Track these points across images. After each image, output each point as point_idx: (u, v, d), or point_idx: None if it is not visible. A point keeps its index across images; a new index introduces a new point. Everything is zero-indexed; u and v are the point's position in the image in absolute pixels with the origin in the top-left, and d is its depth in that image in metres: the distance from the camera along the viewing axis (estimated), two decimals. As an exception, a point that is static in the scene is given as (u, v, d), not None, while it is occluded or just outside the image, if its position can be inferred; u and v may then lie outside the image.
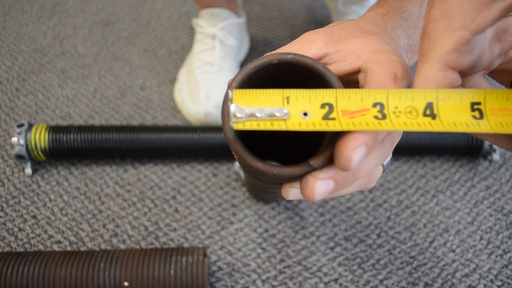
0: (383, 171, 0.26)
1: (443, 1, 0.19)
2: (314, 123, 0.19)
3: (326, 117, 0.19)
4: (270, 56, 0.21)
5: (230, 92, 0.20)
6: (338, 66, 0.24)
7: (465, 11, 0.19)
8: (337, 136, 0.20)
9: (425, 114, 0.19)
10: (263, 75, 0.22)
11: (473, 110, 0.19)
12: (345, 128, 0.19)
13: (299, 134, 0.29)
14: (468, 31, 0.19)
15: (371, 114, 0.19)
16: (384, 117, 0.19)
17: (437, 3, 0.20)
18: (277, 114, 0.19)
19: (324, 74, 0.21)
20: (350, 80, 0.24)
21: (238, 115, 0.19)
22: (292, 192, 0.23)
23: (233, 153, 0.27)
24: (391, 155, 0.24)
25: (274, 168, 0.20)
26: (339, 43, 0.24)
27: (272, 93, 0.20)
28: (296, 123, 0.19)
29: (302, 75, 0.22)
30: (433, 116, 0.19)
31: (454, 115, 0.19)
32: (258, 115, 0.19)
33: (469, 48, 0.19)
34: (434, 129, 0.19)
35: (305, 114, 0.19)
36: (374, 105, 0.19)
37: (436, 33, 0.19)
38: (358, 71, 0.23)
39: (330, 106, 0.19)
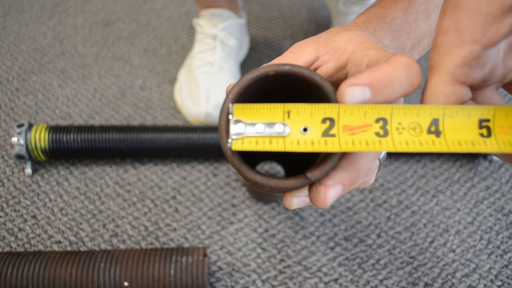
0: (380, 165, 0.26)
1: (454, 13, 0.19)
2: (313, 140, 0.19)
3: (326, 133, 0.19)
4: (267, 67, 0.21)
5: (230, 105, 0.20)
6: (329, 65, 0.24)
7: (476, 24, 0.18)
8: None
9: (429, 131, 0.18)
10: (260, 86, 0.22)
11: (481, 127, 0.19)
12: (343, 148, 0.18)
13: None
14: (479, 45, 0.18)
15: (372, 130, 0.18)
16: (386, 133, 0.18)
17: (448, 15, 0.19)
18: (277, 130, 0.19)
19: (322, 86, 0.20)
20: (341, 78, 0.24)
21: (237, 131, 0.19)
22: (294, 201, 0.23)
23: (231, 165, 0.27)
24: None
25: (271, 181, 0.20)
26: (327, 44, 0.24)
27: (273, 107, 0.19)
28: (295, 141, 0.19)
29: (300, 86, 0.22)
30: (438, 134, 0.18)
31: (460, 133, 0.18)
32: (257, 131, 0.19)
33: (480, 62, 0.19)
34: (436, 149, 0.18)
35: (305, 129, 0.19)
36: (377, 120, 0.19)
37: (446, 45, 0.19)
38: (346, 64, 0.23)
39: (332, 121, 0.19)
